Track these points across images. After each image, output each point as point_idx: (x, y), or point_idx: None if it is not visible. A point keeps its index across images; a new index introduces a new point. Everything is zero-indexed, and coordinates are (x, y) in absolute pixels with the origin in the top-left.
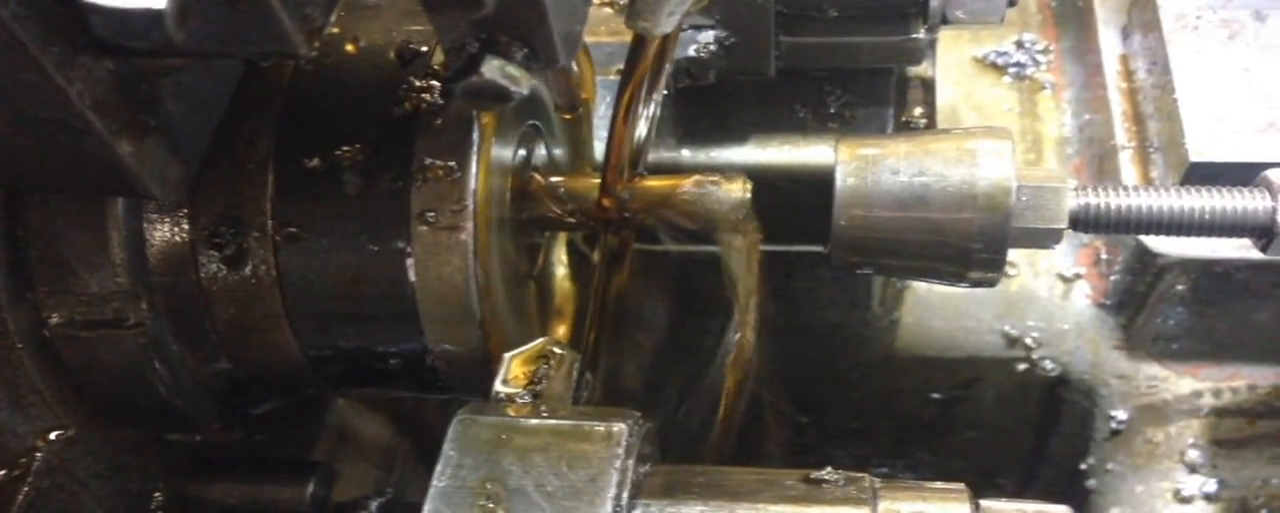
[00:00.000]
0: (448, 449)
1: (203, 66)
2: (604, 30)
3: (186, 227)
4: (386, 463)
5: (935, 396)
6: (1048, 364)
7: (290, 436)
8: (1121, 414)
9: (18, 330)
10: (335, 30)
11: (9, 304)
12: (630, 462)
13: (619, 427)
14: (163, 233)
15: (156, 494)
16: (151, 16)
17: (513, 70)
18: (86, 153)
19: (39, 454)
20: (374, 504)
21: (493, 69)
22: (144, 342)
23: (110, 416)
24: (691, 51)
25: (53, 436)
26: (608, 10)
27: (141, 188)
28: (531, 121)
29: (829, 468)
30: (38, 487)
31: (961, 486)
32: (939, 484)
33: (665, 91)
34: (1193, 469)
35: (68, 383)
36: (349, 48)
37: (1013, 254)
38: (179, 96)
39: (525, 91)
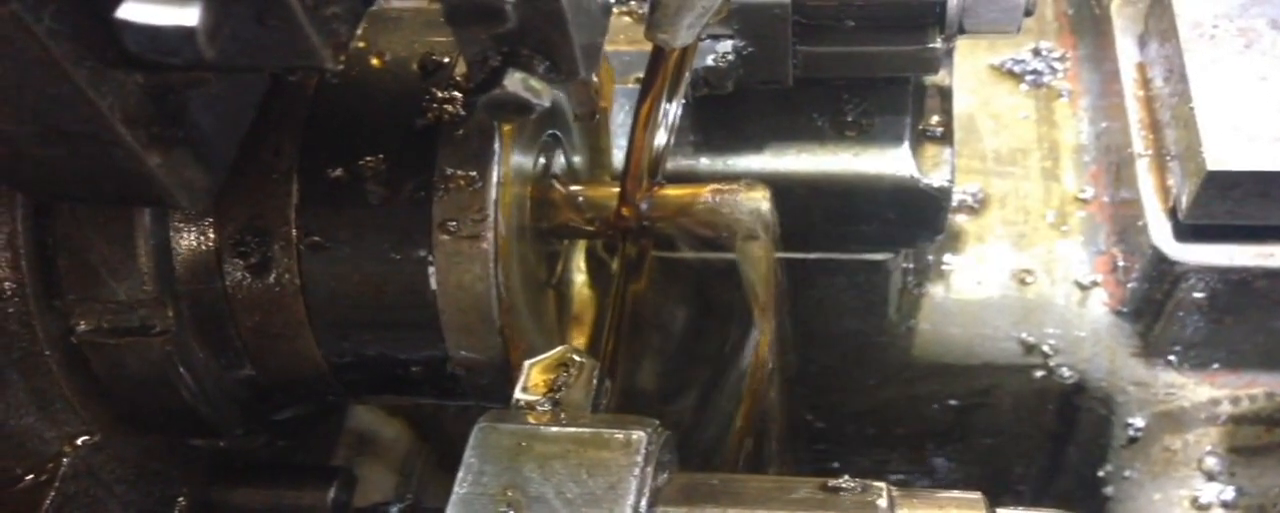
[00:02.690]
0: (468, 457)
1: (230, 79)
2: (623, 39)
3: (212, 235)
4: (406, 469)
5: (952, 402)
6: (1065, 371)
7: (312, 441)
8: (1139, 422)
9: (46, 337)
10: (360, 44)
11: (38, 312)
12: (649, 469)
13: (638, 435)
14: (189, 242)
15: (180, 499)
16: (183, 33)
17: (534, 83)
18: (116, 164)
19: (66, 459)
20: (394, 510)
21: (515, 82)
22: (170, 349)
23: (135, 421)
24: (710, 61)
25: (79, 441)
26: (627, 19)
27: (169, 198)
28: (551, 131)
29: (846, 476)
30: (64, 491)
31: (978, 495)
32: (955, 493)
33: (683, 100)
34: (1211, 477)
35: (94, 389)
36: (373, 60)
37: (1030, 261)
38: (207, 108)
39: (546, 104)
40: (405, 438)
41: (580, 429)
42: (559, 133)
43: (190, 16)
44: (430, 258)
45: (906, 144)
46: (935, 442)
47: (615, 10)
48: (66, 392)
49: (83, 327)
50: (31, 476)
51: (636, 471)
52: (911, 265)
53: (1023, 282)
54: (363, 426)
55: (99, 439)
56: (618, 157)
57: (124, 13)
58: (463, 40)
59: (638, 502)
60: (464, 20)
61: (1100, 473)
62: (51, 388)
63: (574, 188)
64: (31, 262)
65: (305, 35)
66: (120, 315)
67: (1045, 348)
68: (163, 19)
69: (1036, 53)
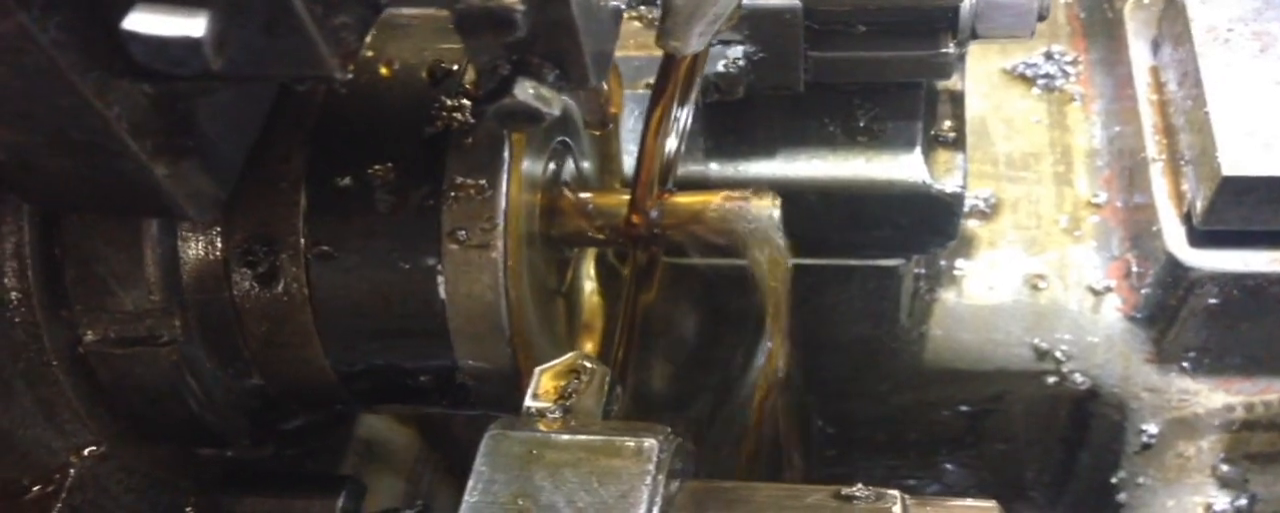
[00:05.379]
0: (479, 465)
1: (239, 87)
2: (633, 44)
3: (220, 245)
4: (415, 477)
5: (964, 408)
6: (1078, 377)
7: (321, 450)
8: (1152, 428)
9: (53, 348)
10: (369, 52)
11: (45, 322)
12: (661, 477)
13: (650, 442)
14: (196, 251)
15: (188, 509)
16: (190, 44)
17: (545, 92)
18: (123, 175)
19: (72, 470)
20: None
21: (525, 91)
22: (177, 359)
23: (143, 431)
24: (721, 67)
25: (86, 451)
26: (637, 24)
27: (177, 208)
28: (561, 137)
29: (859, 484)
30: (71, 502)
31: (993, 503)
32: (970, 502)
33: (694, 106)
34: (1224, 484)
35: (101, 399)
36: (382, 68)
37: (1043, 266)
38: (215, 118)
39: (556, 112)
40: (415, 446)
41: (591, 437)
42: (569, 139)
43: (196, 27)
44: (439, 267)
45: (918, 149)
46: (947, 448)
47: (625, 15)
48: (73, 402)
49: (90, 336)
50: (38, 487)
51: (648, 479)
52: (923, 271)
53: (1035, 287)
54: (372, 433)
55: (106, 450)
56: (628, 163)
57: (130, 24)
58: (472, 49)
59: (650, 510)
60: (474, 29)
61: (1113, 480)
62: (58, 398)
63: (584, 195)
64: (38, 271)
65: (314, 45)
66: (127, 325)
67: (1058, 354)
68: (169, 30)
69: (1049, 56)
